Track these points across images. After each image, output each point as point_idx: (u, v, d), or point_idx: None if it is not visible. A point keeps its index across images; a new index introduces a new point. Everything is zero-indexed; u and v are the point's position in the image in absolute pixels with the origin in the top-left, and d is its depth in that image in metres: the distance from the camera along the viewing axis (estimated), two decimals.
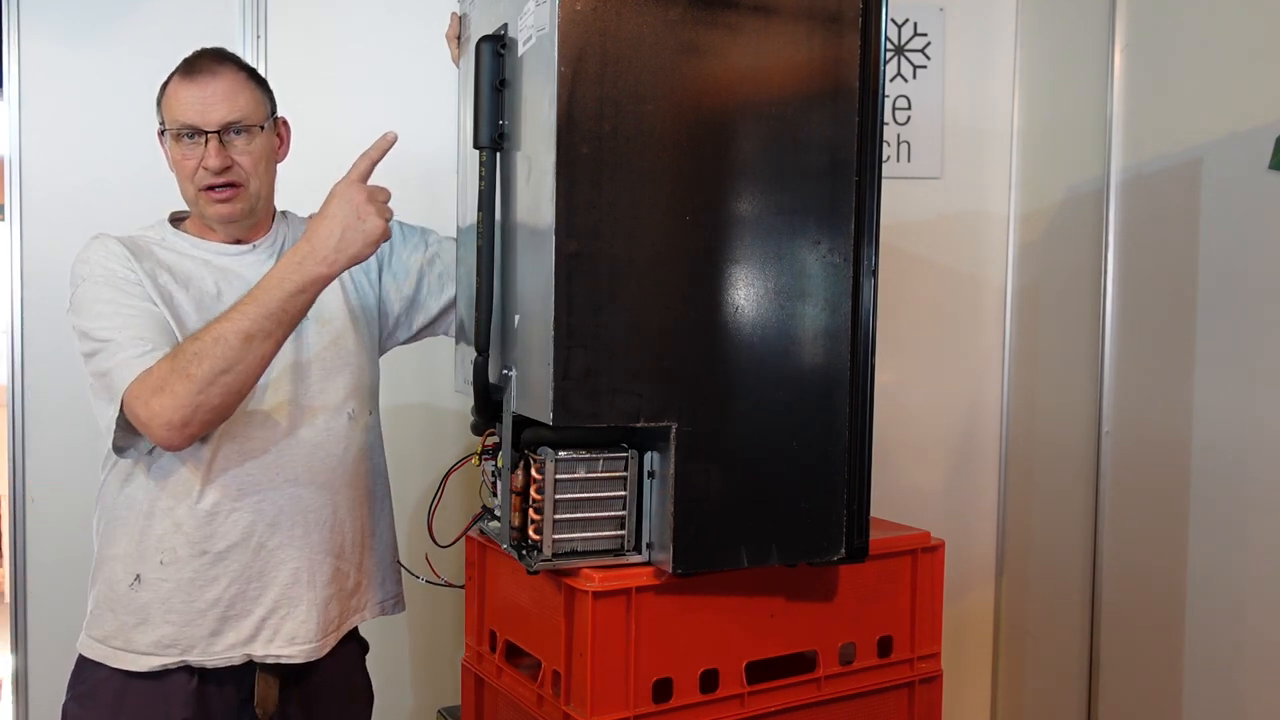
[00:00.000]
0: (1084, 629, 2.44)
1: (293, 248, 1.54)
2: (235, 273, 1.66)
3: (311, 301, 1.53)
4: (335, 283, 1.66)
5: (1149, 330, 2.27)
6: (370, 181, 1.57)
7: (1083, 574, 2.44)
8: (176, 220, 1.73)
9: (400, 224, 1.83)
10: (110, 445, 1.56)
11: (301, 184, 2.22)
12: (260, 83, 1.69)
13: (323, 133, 2.10)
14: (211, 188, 1.62)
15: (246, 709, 1.64)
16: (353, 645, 1.79)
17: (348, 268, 1.52)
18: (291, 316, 1.51)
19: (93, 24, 2.25)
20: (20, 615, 2.26)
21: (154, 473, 1.60)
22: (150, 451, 1.60)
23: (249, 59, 2.28)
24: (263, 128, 1.65)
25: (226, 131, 1.61)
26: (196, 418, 1.47)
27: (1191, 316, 2.14)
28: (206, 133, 1.60)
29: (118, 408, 1.50)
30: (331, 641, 1.69)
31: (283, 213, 1.78)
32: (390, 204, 1.56)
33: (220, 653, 1.61)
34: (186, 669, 1.60)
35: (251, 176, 1.64)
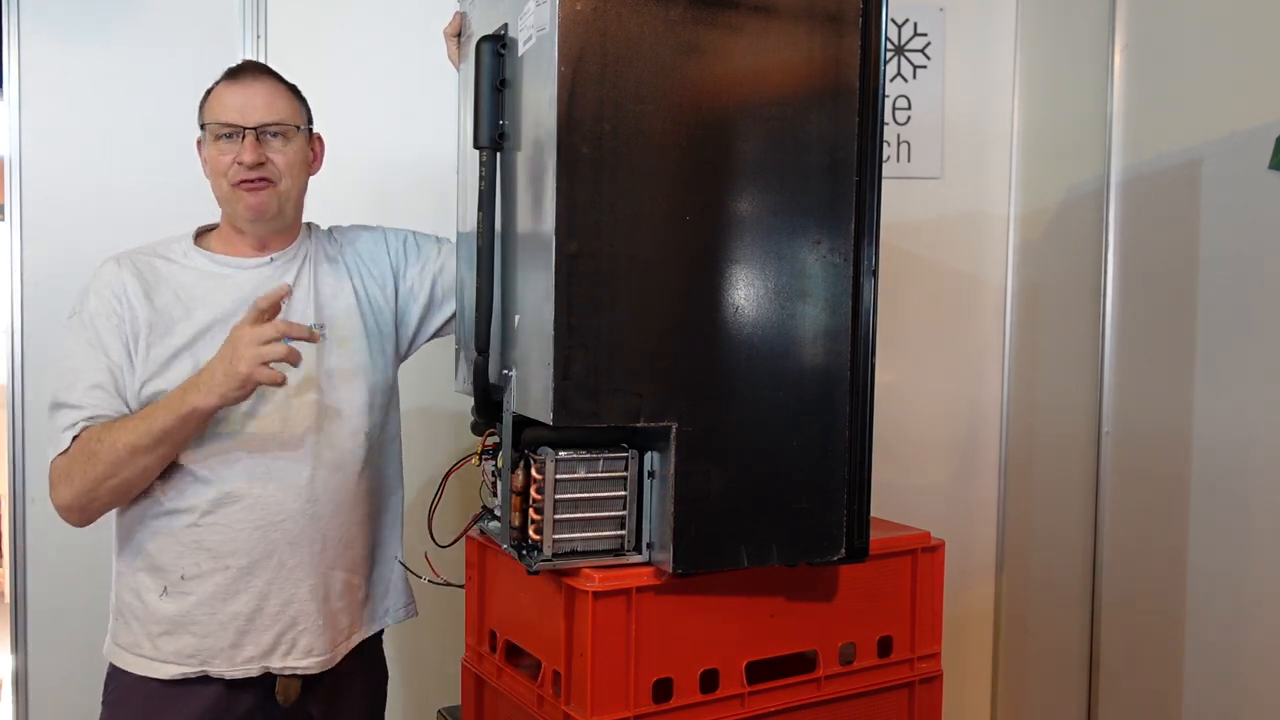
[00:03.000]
0: (1084, 628, 2.44)
1: (196, 374, 1.57)
2: (246, 290, 1.67)
3: (200, 424, 1.58)
4: (353, 302, 1.75)
5: (1149, 330, 2.27)
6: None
7: (1083, 573, 2.44)
8: (201, 235, 1.76)
9: (414, 234, 1.87)
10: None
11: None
12: (299, 96, 1.75)
13: (323, 133, 2.09)
14: (244, 181, 1.65)
15: (270, 702, 1.70)
16: (371, 638, 1.85)
17: (223, 405, 1.55)
18: (176, 438, 1.56)
19: (93, 24, 2.25)
20: (20, 615, 2.26)
21: (174, 494, 1.65)
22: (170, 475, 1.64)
23: (249, 58, 2.29)
24: (299, 129, 1.70)
25: (263, 132, 1.66)
26: (91, 508, 1.61)
27: (1192, 316, 2.13)
28: (245, 130, 1.64)
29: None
30: (344, 650, 1.76)
31: (308, 225, 1.81)
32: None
33: (240, 664, 1.67)
34: (208, 677, 1.66)
35: (284, 176, 1.68)
